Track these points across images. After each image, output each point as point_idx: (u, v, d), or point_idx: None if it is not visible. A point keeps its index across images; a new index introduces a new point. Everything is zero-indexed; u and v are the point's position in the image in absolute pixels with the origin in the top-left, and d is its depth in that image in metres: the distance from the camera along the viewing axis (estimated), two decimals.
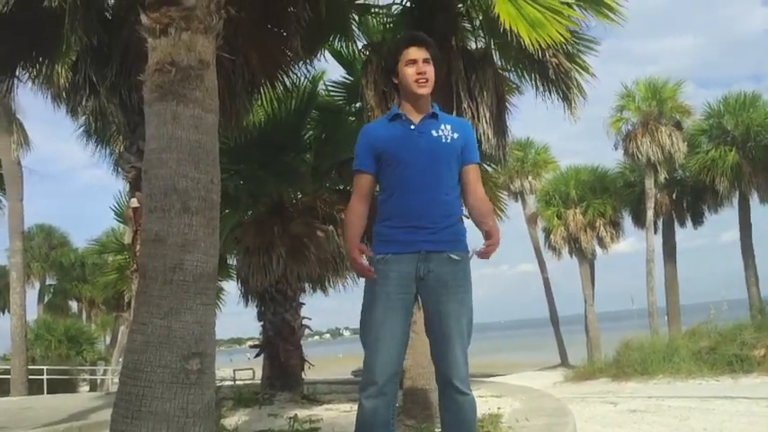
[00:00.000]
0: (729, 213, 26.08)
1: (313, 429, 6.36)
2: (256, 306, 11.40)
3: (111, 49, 6.23)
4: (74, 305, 37.96)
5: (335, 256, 10.87)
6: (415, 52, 3.00)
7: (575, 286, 29.81)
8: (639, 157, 24.32)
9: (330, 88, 10.44)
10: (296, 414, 7.11)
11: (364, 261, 2.92)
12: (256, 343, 12.16)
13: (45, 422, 7.67)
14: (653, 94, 24.92)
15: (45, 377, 19.90)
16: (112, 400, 3.28)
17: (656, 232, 26.20)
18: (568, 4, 6.59)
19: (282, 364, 10.85)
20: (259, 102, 8.53)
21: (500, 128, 7.09)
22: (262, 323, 11.24)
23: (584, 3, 6.99)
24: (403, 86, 3.02)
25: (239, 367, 23.68)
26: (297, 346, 11.14)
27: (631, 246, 53.71)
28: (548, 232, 29.56)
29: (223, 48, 3.69)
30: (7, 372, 18.47)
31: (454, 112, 6.69)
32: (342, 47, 8.74)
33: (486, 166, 9.97)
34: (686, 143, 24.58)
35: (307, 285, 11.97)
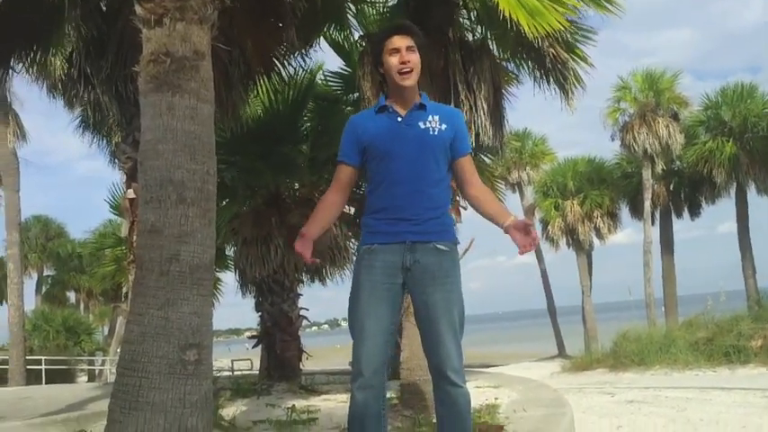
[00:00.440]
0: (727, 204, 26.18)
1: (311, 420, 6.37)
2: (254, 297, 11.41)
3: (106, 41, 6.21)
4: (71, 296, 38.07)
5: (333, 247, 10.88)
6: (398, 40, 2.93)
7: (572, 277, 29.92)
8: (636, 148, 24.34)
9: (328, 79, 10.44)
10: (294, 404, 7.13)
11: (305, 247, 2.95)
12: (254, 333, 12.18)
13: (43, 412, 7.67)
14: (650, 85, 24.91)
15: (43, 367, 19.96)
16: (110, 391, 3.28)
17: (653, 223, 26.26)
18: None
19: (280, 355, 10.87)
20: (256, 93, 8.52)
21: (497, 119, 7.09)
22: (259, 314, 11.26)
23: None
24: (387, 77, 2.97)
25: (237, 357, 23.73)
26: (295, 336, 11.15)
27: (628, 237, 53.95)
28: (545, 223, 29.62)
29: (218, 38, 3.67)
30: (5, 362, 18.51)
31: (451, 104, 6.69)
32: (340, 37, 8.72)
33: (483, 157, 9.99)
34: (683, 134, 24.59)
35: (304, 276, 11.99)
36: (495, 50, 7.68)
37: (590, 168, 29.41)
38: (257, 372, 12.40)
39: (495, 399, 7.34)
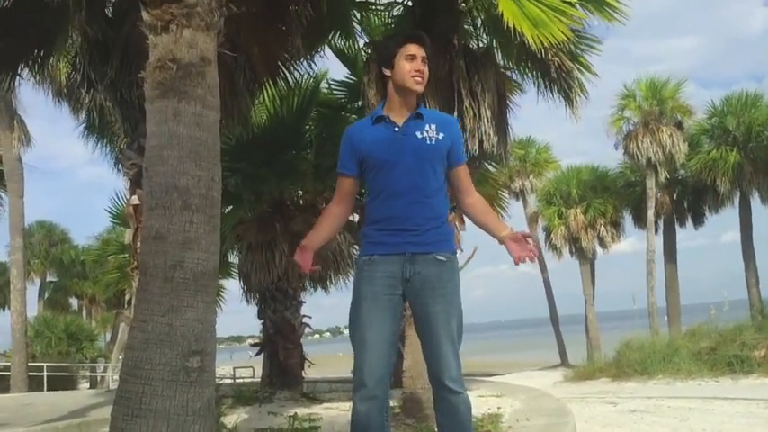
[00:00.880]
0: (730, 213, 26.11)
1: (313, 428, 6.36)
2: (257, 304, 11.40)
3: (111, 46, 6.23)
4: (74, 302, 38.08)
5: (336, 254, 10.88)
6: (416, 49, 2.94)
7: (575, 286, 29.86)
8: (640, 157, 24.31)
9: (332, 86, 10.47)
10: (296, 412, 7.12)
11: (305, 258, 2.98)
12: (257, 341, 12.16)
13: (45, 419, 7.67)
14: (653, 93, 24.90)
15: (45, 374, 19.92)
16: (112, 398, 3.27)
17: (656, 232, 26.20)
18: (571, 3, 6.57)
19: (282, 363, 10.86)
20: (261, 100, 8.53)
21: (501, 127, 7.09)
22: (262, 321, 11.25)
23: (586, 2, 6.99)
24: (396, 80, 2.95)
25: (239, 365, 23.69)
26: (297, 344, 11.14)
27: (632, 246, 53.83)
28: (548, 232, 29.57)
29: (225, 45, 3.68)
30: (7, 368, 18.50)
31: (455, 112, 6.69)
32: (344, 45, 8.75)
33: (487, 165, 9.98)
34: (687, 143, 24.56)
35: (307, 283, 11.98)
36: (499, 59, 7.69)
37: (593, 177, 29.38)
38: (259, 379, 12.38)
39: (498, 408, 7.32)
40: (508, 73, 7.95)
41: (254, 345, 12.19)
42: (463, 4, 7.58)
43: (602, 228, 28.43)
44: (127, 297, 14.82)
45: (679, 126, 24.62)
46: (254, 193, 10.92)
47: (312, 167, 10.91)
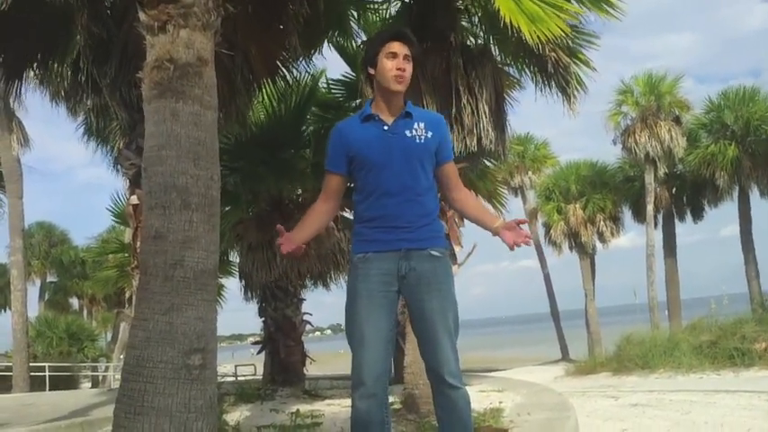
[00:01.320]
0: (729, 207, 26.12)
1: (315, 424, 6.38)
2: (257, 302, 11.43)
3: (111, 47, 6.24)
4: (75, 302, 38.10)
5: (336, 252, 10.89)
6: (398, 47, 2.92)
7: (575, 281, 29.88)
8: (638, 151, 24.31)
9: (331, 85, 10.47)
10: (297, 409, 7.14)
11: (289, 244, 2.95)
12: (258, 339, 12.20)
13: (47, 418, 7.69)
14: (651, 88, 24.89)
15: (47, 374, 19.97)
16: (114, 397, 3.29)
17: (656, 227, 26.22)
18: None
19: (284, 360, 10.89)
20: (259, 99, 8.53)
21: (499, 123, 7.10)
22: (263, 319, 11.28)
23: None
24: (378, 79, 2.95)
25: (241, 363, 23.72)
26: (298, 341, 11.18)
27: (631, 240, 53.85)
28: (548, 227, 29.59)
29: (222, 45, 3.70)
30: (9, 369, 18.53)
31: (453, 109, 6.71)
32: (345, 42, 8.74)
33: (486, 162, 9.99)
34: (685, 138, 24.56)
35: (308, 281, 12.00)
36: (497, 55, 7.70)
37: (592, 172, 29.38)
38: (261, 377, 12.41)
39: (500, 402, 7.33)
40: (506, 69, 7.96)
41: (256, 343, 12.24)
42: (460, 2, 7.59)
43: (602, 223, 28.44)
44: (127, 296, 14.84)
45: (677, 121, 24.61)
46: (252, 192, 10.93)
47: (311, 166, 10.92)
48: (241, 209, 11.23)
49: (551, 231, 29.19)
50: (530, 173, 30.00)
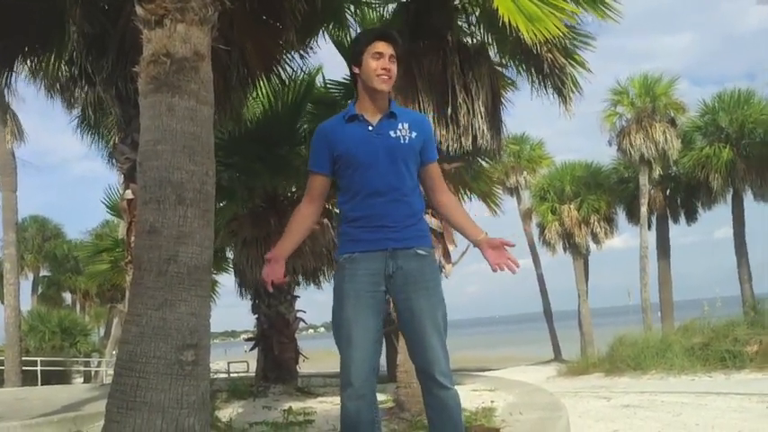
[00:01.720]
0: (723, 210, 26.21)
1: (307, 422, 6.38)
2: (251, 299, 11.42)
3: (107, 41, 6.22)
4: (68, 297, 38.01)
5: (330, 249, 10.88)
6: (384, 47, 2.91)
7: (569, 281, 29.94)
8: (633, 153, 24.35)
9: (329, 85, 10.49)
10: (290, 406, 7.14)
11: (275, 271, 2.94)
12: (251, 336, 12.18)
13: (40, 413, 7.66)
14: (647, 90, 24.93)
15: (39, 368, 19.93)
16: (107, 392, 3.28)
17: (649, 228, 26.27)
18: None
19: (277, 357, 10.88)
20: (255, 95, 8.52)
21: (495, 123, 7.10)
22: (256, 316, 11.26)
23: None
24: (363, 78, 2.94)
25: (234, 360, 23.71)
26: (291, 338, 11.16)
27: (625, 242, 53.96)
28: (542, 228, 29.64)
29: (218, 40, 3.69)
30: (1, 363, 18.47)
31: (449, 108, 6.71)
32: (344, 38, 8.74)
33: (481, 161, 10.01)
34: (680, 140, 24.62)
35: (301, 278, 11.99)
36: (494, 55, 7.70)
37: (587, 173, 29.44)
38: (254, 374, 12.40)
39: (492, 402, 7.35)
40: (502, 70, 7.97)
41: (249, 339, 12.21)
42: (457, 0, 7.60)
43: (596, 224, 28.51)
44: (120, 291, 14.80)
45: (672, 123, 24.67)
46: (247, 188, 10.92)
47: (306, 163, 10.90)
48: (236, 204, 11.22)
49: (545, 232, 29.25)
50: (525, 173, 30.04)
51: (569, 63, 7.44)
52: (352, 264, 2.90)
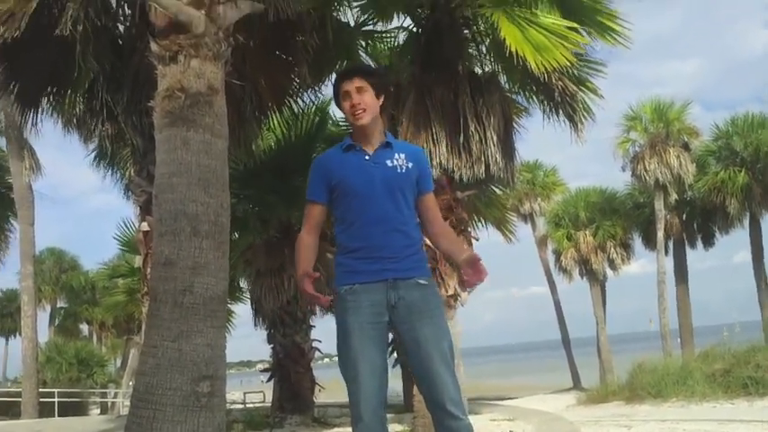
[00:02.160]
0: (741, 234, 25.96)
1: None
2: (266, 329, 11.40)
3: (121, 76, 6.33)
4: (84, 328, 38.12)
5: None
6: (347, 84, 2.94)
7: (586, 308, 29.64)
8: (647, 178, 24.22)
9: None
10: None
11: (314, 290, 2.91)
12: (266, 366, 12.15)
13: None
14: (659, 115, 24.87)
15: (56, 400, 19.92)
16: (123, 423, 3.30)
17: (666, 254, 26.04)
18: (574, 29, 6.64)
19: (293, 387, 10.83)
20: (269, 126, 8.61)
21: (508, 150, 7.13)
22: (272, 346, 11.24)
23: (589, 26, 7.06)
24: (347, 118, 3.00)
25: (250, 390, 23.60)
26: (307, 368, 11.11)
27: (642, 267, 53.40)
28: (558, 254, 29.45)
29: (232, 74, 3.76)
30: (19, 395, 18.49)
31: (461, 136, 6.75)
32: None
33: (494, 189, 10.01)
34: (695, 164, 24.51)
35: (317, 307, 11.97)
36: (504, 83, 7.76)
37: (602, 199, 29.29)
38: (270, 404, 12.34)
39: (511, 431, 7.27)
40: (513, 97, 8.01)
41: (265, 370, 12.16)
42: (467, 31, 7.67)
43: (612, 250, 28.29)
44: (137, 322, 14.85)
45: (686, 147, 24.56)
46: (260, 219, 10.97)
47: None
48: (251, 235, 11.26)
49: (561, 258, 29.05)
50: (539, 200, 29.94)
51: (581, 90, 7.47)
52: (354, 295, 2.87)
